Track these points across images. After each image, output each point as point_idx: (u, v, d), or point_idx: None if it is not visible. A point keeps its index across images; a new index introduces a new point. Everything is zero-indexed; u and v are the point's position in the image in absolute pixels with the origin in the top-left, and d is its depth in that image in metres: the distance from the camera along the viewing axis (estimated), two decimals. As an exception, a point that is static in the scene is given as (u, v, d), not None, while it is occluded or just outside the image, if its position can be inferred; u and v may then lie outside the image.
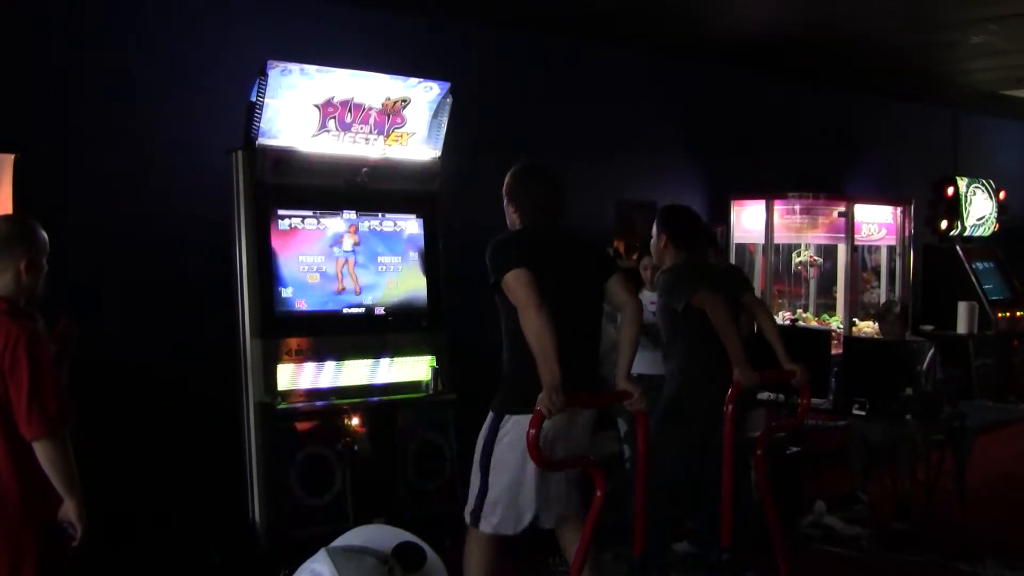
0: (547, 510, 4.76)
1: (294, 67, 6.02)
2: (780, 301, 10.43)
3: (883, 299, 10.93)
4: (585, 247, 4.92)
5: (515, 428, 4.53)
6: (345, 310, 6.45)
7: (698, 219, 6.21)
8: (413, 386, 6.64)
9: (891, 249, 10.95)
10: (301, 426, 6.11)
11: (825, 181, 10.91)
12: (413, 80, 6.53)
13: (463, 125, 6.86)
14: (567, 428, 4.62)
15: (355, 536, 1.94)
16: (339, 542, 1.91)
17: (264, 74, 5.93)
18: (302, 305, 6.29)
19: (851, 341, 8.69)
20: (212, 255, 6.35)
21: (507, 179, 4.92)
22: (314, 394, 6.27)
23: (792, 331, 8.66)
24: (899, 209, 10.84)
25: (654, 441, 5.41)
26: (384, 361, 6.53)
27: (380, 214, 6.66)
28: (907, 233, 10.89)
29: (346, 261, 6.47)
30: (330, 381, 6.34)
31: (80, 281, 5.86)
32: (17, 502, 3.67)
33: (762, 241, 10.14)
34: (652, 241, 6.01)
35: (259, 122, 6.05)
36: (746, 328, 6.03)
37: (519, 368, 4.53)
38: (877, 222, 10.65)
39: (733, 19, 8.72)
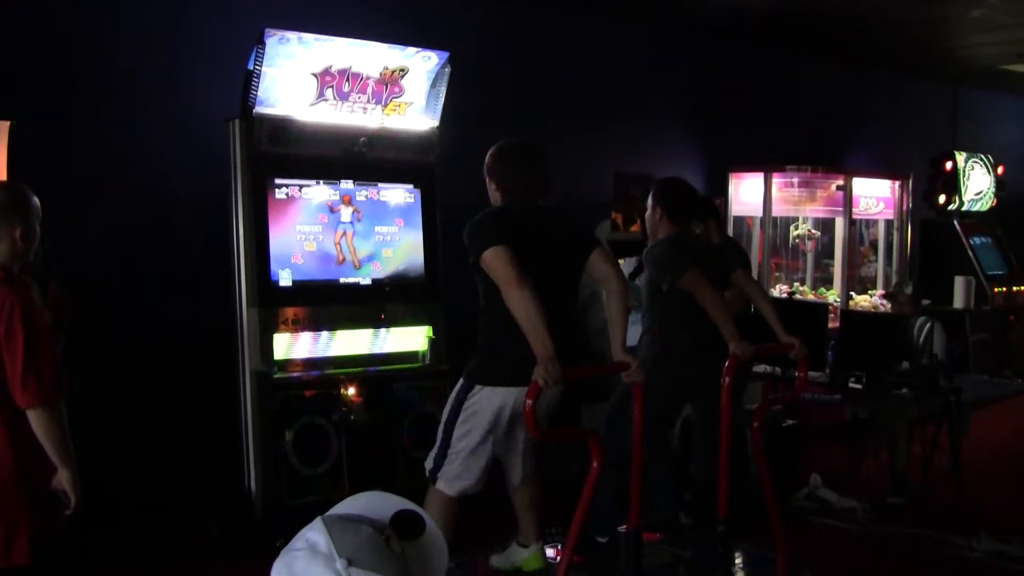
0: (516, 469, 5.10)
1: (292, 35, 5.99)
2: (777, 274, 10.43)
3: (880, 273, 10.96)
4: (566, 223, 4.97)
5: (482, 399, 4.76)
6: (342, 280, 6.44)
7: (694, 193, 6.21)
8: (410, 356, 6.65)
9: (889, 223, 10.94)
10: (297, 396, 6.11)
11: (823, 154, 10.87)
12: (411, 49, 6.50)
13: (461, 95, 6.83)
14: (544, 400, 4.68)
15: (353, 504, 1.92)
16: (336, 510, 1.89)
17: (262, 42, 5.90)
18: (299, 275, 6.27)
19: (848, 315, 8.70)
20: (209, 224, 6.33)
21: (487, 158, 4.98)
22: (311, 364, 6.27)
23: (789, 304, 8.66)
24: (897, 183, 10.83)
25: (614, 411, 5.54)
26: (381, 331, 6.53)
27: (377, 184, 6.64)
28: (905, 207, 10.88)
29: (344, 232, 6.46)
30: (327, 351, 6.34)
31: (74, 250, 5.83)
32: (11, 471, 3.66)
33: (760, 214, 10.13)
34: (647, 213, 6.00)
35: (256, 91, 6.02)
36: (736, 304, 6.03)
37: (493, 342, 4.73)
38: (875, 196, 10.64)
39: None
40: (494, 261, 4.53)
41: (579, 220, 5.20)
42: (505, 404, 4.73)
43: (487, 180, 4.99)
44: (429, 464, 5.01)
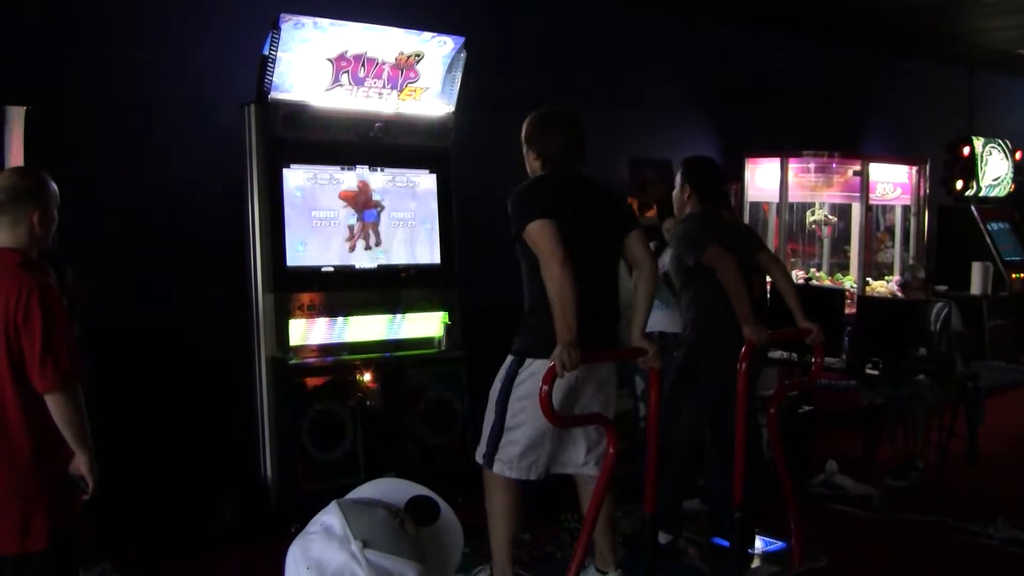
0: (569, 452, 4.80)
1: (307, 20, 5.99)
2: (793, 260, 10.39)
3: (897, 259, 10.91)
4: (607, 199, 4.89)
5: (535, 373, 4.51)
6: (357, 265, 6.44)
7: (721, 172, 6.15)
8: (425, 342, 6.65)
9: (906, 209, 10.90)
10: (313, 381, 6.12)
11: (840, 140, 10.84)
12: (427, 34, 6.49)
13: (477, 80, 6.81)
14: (585, 381, 4.62)
15: (369, 489, 1.93)
16: (352, 495, 1.90)
17: (277, 27, 5.90)
18: (314, 260, 6.28)
19: (865, 301, 8.67)
20: (224, 210, 6.34)
21: (525, 125, 4.88)
22: (326, 349, 6.28)
23: (805, 290, 8.64)
24: (914, 169, 10.77)
25: (669, 399, 5.42)
26: (396, 317, 6.53)
27: (393, 169, 6.64)
28: (922, 193, 10.83)
29: (359, 217, 6.46)
30: (342, 337, 6.35)
31: (88, 236, 5.84)
32: (29, 455, 3.67)
33: (776, 200, 10.09)
34: (675, 192, 5.93)
35: (272, 76, 6.03)
36: (757, 288, 6.00)
37: (542, 313, 4.48)
38: (892, 181, 10.59)
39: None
40: (538, 235, 4.43)
41: (620, 196, 5.11)
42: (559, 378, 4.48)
43: (525, 149, 4.87)
44: (482, 449, 4.75)
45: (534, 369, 4.52)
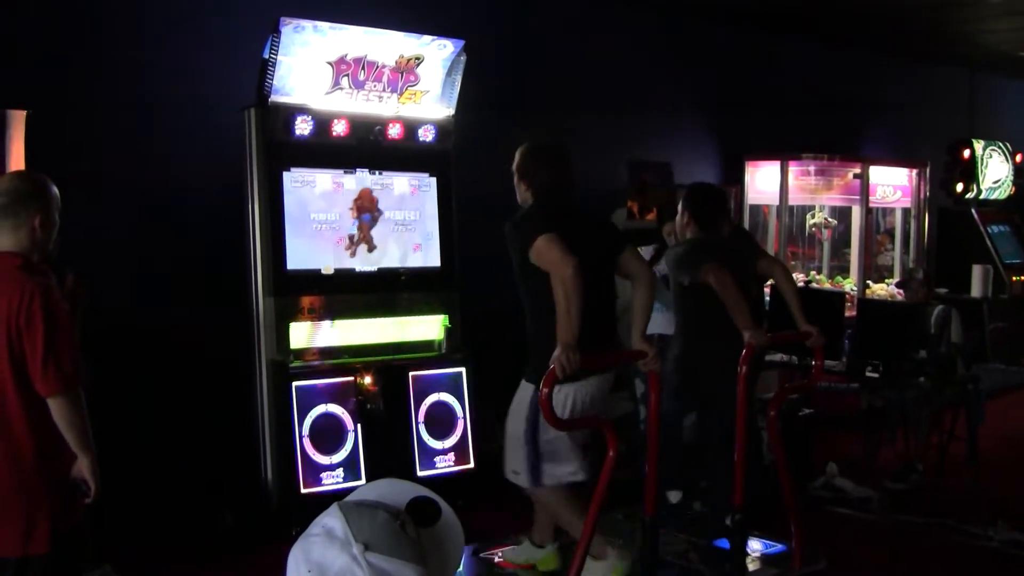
0: None
1: (307, 24, 5.99)
2: (794, 263, 10.40)
3: (897, 262, 10.92)
4: (597, 226, 5.05)
5: (561, 396, 4.60)
6: (358, 268, 6.44)
7: (724, 199, 6.30)
8: (426, 345, 6.65)
9: (906, 211, 10.92)
10: (313, 385, 6.12)
11: (840, 142, 10.84)
12: (427, 38, 6.50)
13: (477, 83, 6.82)
14: (601, 392, 4.71)
15: (369, 491, 1.93)
16: (353, 497, 1.90)
17: (277, 31, 5.91)
18: (315, 264, 6.28)
19: (865, 303, 8.67)
20: (225, 211, 6.33)
21: (517, 157, 4.99)
22: (326, 352, 6.28)
23: (805, 293, 8.65)
24: (914, 171, 10.79)
25: (664, 402, 5.49)
26: (397, 320, 6.53)
27: (393, 172, 6.64)
28: (922, 195, 10.84)
29: (360, 220, 6.46)
30: (342, 340, 6.34)
31: (89, 240, 5.83)
32: (32, 458, 3.67)
33: (776, 202, 10.11)
34: (677, 217, 6.14)
35: (272, 80, 6.03)
36: (753, 293, 6.05)
37: (551, 342, 4.47)
38: (892, 184, 10.61)
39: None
40: (547, 247, 4.51)
41: (607, 221, 5.22)
42: (573, 399, 4.69)
43: (516, 179, 4.99)
44: (523, 477, 4.83)
45: (561, 397, 4.60)
